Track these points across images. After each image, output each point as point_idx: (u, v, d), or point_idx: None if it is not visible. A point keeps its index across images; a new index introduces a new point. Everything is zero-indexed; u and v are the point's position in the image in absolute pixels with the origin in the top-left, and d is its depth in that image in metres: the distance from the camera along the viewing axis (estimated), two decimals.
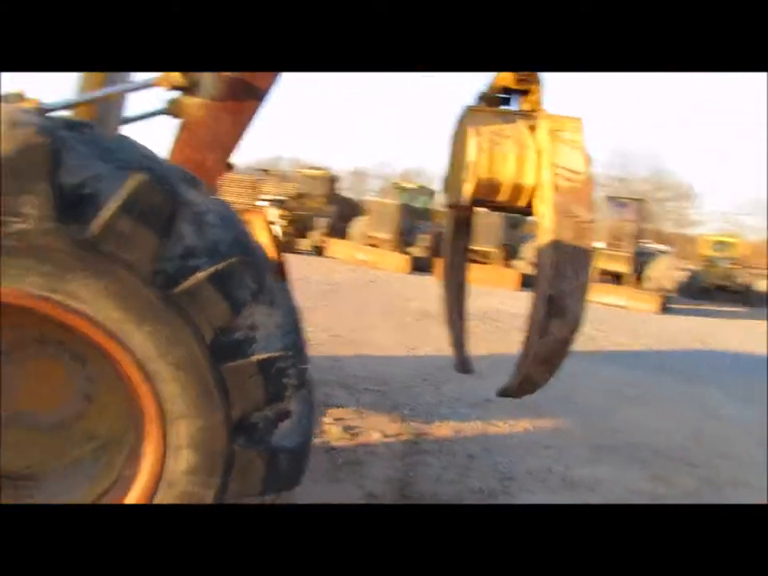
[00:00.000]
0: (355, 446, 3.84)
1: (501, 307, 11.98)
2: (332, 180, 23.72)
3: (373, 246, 18.63)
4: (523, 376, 2.70)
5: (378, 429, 4.17)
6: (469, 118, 3.12)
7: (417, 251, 18.42)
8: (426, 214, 21.43)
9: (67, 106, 2.50)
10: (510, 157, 2.94)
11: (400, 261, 17.48)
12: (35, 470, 1.92)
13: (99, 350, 1.58)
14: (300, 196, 21.19)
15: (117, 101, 2.71)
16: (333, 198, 23.16)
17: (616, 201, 19.08)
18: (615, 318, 13.00)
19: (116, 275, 1.45)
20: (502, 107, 3.34)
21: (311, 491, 3.15)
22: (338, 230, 21.01)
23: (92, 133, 1.58)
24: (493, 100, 3.35)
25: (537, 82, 3.25)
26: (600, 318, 12.48)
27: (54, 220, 1.39)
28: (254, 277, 1.59)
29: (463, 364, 3.53)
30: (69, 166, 1.42)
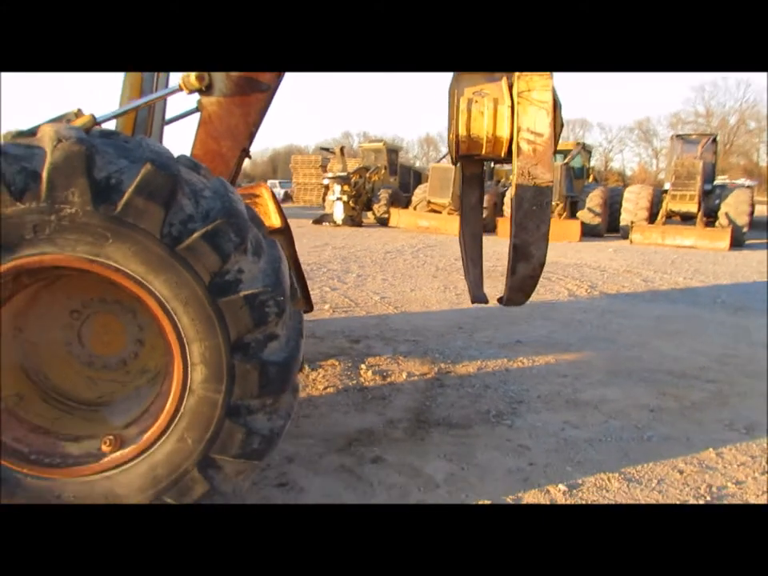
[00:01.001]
0: (384, 385, 4.39)
1: (557, 259, 12.06)
2: (392, 151, 24.07)
3: (434, 211, 18.94)
4: (506, 298, 3.38)
5: (407, 371, 4.69)
6: (455, 81, 3.51)
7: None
8: (485, 175, 21.32)
9: (114, 116, 3.14)
10: (486, 113, 3.33)
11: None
12: (106, 399, 2.59)
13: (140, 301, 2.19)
14: (362, 170, 21.73)
15: (155, 107, 3.32)
16: (394, 168, 23.56)
17: (683, 139, 18.22)
18: (680, 260, 12.70)
19: (137, 239, 2.04)
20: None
21: (341, 420, 3.75)
22: (402, 200, 21.46)
23: (116, 138, 2.19)
24: None
25: None
26: (660, 261, 12.29)
27: (91, 203, 2.00)
28: (236, 233, 2.14)
29: (477, 296, 3.97)
30: (99, 165, 2.01)
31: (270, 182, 40.60)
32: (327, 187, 21.69)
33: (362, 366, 4.76)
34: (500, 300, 3.51)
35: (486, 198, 18.78)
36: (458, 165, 4.03)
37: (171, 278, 2.08)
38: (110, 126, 3.07)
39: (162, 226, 2.04)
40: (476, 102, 3.38)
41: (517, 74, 3.22)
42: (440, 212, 18.59)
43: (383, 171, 22.20)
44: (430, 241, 15.80)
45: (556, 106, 3.23)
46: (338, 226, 19.48)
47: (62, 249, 2.03)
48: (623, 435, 3.65)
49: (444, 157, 24.29)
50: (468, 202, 4.25)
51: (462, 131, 3.37)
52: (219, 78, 3.06)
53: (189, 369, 2.17)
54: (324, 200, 22.91)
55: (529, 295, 3.35)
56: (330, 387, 4.32)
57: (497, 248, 13.49)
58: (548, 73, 3.21)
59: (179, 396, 2.19)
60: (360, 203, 20.80)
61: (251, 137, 3.53)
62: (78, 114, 3.01)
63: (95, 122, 3.00)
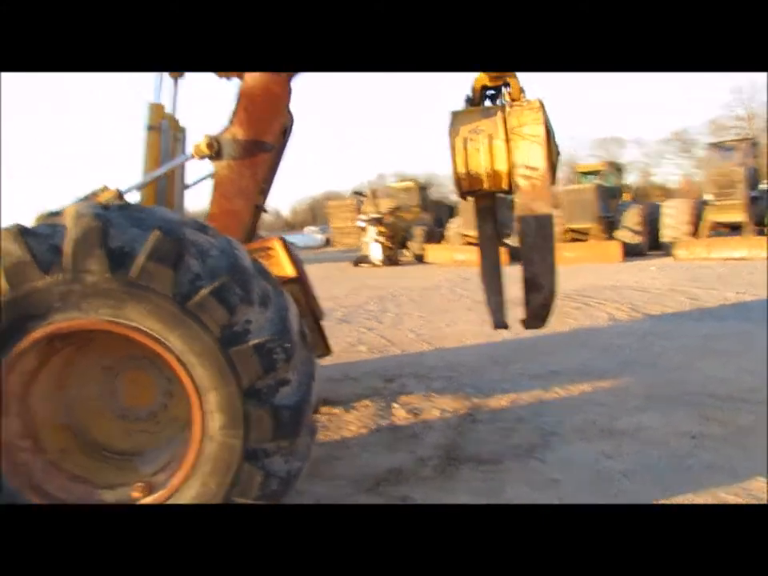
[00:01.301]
0: (416, 423, 4.41)
1: (597, 282, 11.86)
2: (423, 188, 24.42)
3: (470, 244, 18.96)
4: (526, 324, 3.55)
5: (439, 407, 4.71)
6: (452, 120, 3.65)
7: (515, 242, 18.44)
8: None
9: (137, 187, 3.41)
10: (482, 149, 3.45)
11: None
12: (138, 448, 2.75)
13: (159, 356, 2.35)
14: (395, 210, 22.07)
15: (174, 173, 3.59)
16: (427, 205, 23.84)
17: (719, 147, 17.70)
18: (729, 273, 12.26)
19: (151, 299, 2.22)
20: (487, 104, 3.81)
21: (371, 460, 3.79)
22: (437, 235, 21.63)
23: (130, 210, 2.40)
24: (478, 100, 3.83)
25: (512, 75, 3.69)
26: (708, 276, 11.90)
27: (109, 271, 2.19)
28: (241, 287, 2.29)
29: (498, 322, 4.02)
30: (113, 236, 2.22)
31: (308, 228, 41.63)
32: (363, 229, 22.10)
33: (395, 404, 4.81)
34: (522, 322, 3.59)
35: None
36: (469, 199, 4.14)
37: (184, 333, 2.23)
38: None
39: (172, 286, 2.22)
40: (471, 140, 3.50)
41: (507, 108, 3.33)
42: (475, 244, 18.58)
43: (416, 209, 22.50)
44: (467, 274, 15.78)
45: (549, 134, 3.32)
46: (376, 266, 19.75)
47: (86, 313, 2.22)
48: (661, 464, 3.49)
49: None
50: (484, 234, 4.33)
51: (461, 169, 3.50)
52: (227, 143, 3.29)
53: (207, 416, 2.30)
54: (361, 242, 23.32)
55: (545, 320, 3.43)
56: (363, 428, 4.38)
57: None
58: (537, 103, 3.30)
59: (199, 443, 2.32)
60: (396, 242, 21.06)
61: (263, 193, 3.75)
62: (105, 189, 3.29)
63: (120, 195, 3.27)
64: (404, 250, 21.69)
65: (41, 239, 2.20)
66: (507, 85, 3.81)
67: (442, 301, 10.98)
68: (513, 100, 3.85)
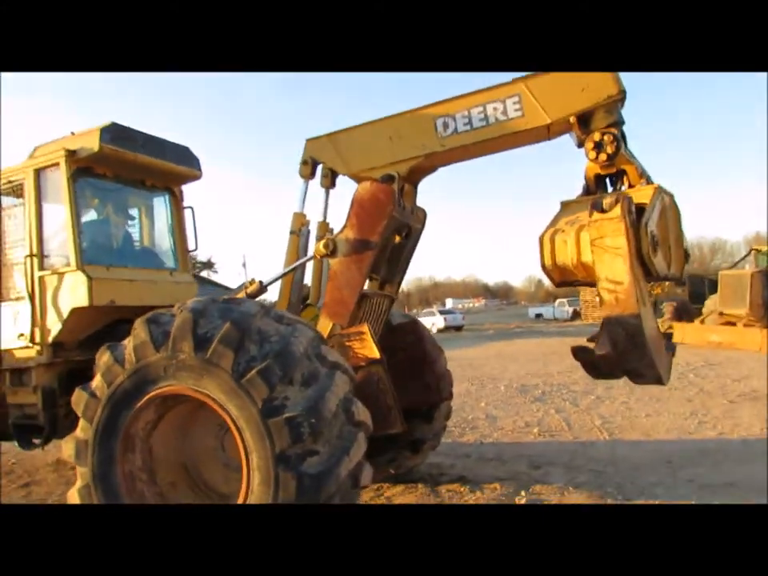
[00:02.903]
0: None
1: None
2: None
3: (729, 323, 16.46)
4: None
5: (567, 503, 4.44)
6: (559, 211, 3.73)
7: None
8: None
9: (275, 279, 4.26)
10: (569, 241, 3.42)
11: (759, 337, 14.87)
12: (234, 492, 3.40)
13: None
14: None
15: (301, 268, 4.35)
16: (682, 278, 21.45)
17: None
18: None
19: (219, 375, 2.89)
20: (600, 192, 3.77)
21: None
22: (692, 312, 19.30)
23: (228, 303, 3.15)
24: (593, 189, 3.82)
25: (626, 161, 3.62)
26: None
27: (194, 352, 2.94)
28: (282, 370, 2.81)
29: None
30: (201, 325, 2.98)
31: (560, 300, 40.40)
32: None
33: (522, 492, 4.67)
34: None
35: None
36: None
37: (238, 403, 2.84)
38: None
39: (232, 365, 2.86)
40: (563, 231, 3.49)
41: (588, 219, 3.23)
42: (734, 324, 16.08)
43: (667, 283, 20.43)
44: (717, 358, 13.73)
45: (680, 233, 3.27)
46: None
47: (180, 382, 3.00)
48: None
49: (739, 261, 21.24)
50: None
51: (548, 261, 3.51)
52: (341, 243, 3.92)
53: (250, 473, 2.83)
54: None
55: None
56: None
57: None
58: (618, 214, 3.12)
59: (245, 496, 2.85)
60: None
61: (394, 285, 4.35)
62: (252, 282, 4.20)
63: (262, 285, 4.14)
64: None
65: (159, 325, 3.08)
66: (624, 172, 3.73)
67: (662, 388, 9.80)
68: (630, 186, 3.74)
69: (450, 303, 74.58)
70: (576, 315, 35.84)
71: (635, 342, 3.18)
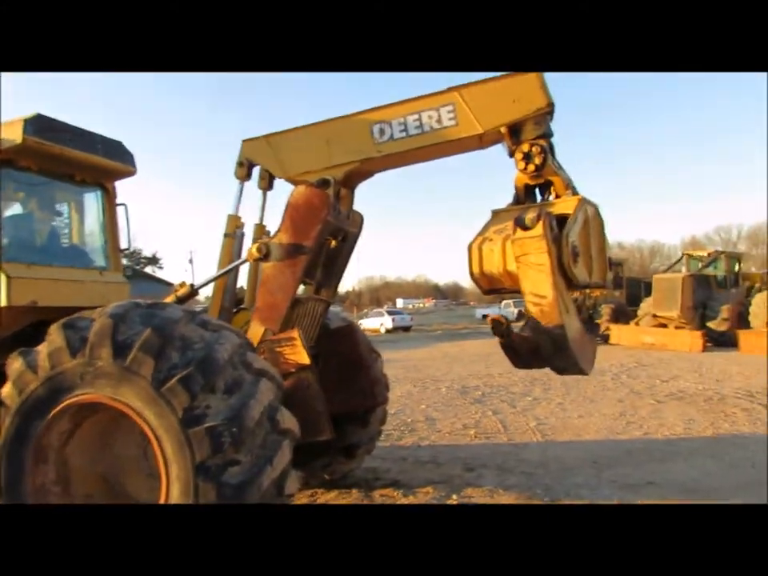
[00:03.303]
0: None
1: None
2: (617, 264, 22.93)
3: (662, 325, 17.26)
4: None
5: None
6: (489, 219, 3.79)
7: (716, 325, 16.36)
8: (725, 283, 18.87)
9: (207, 282, 4.17)
10: (495, 250, 3.49)
11: (689, 339, 15.74)
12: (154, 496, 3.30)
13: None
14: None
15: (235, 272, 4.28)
16: (619, 282, 22.31)
17: None
18: None
19: (138, 383, 2.80)
20: (528, 202, 3.85)
21: None
22: (629, 315, 20.08)
23: (153, 308, 3.06)
24: (523, 198, 3.89)
25: (553, 173, 3.71)
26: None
27: (113, 359, 2.84)
28: (204, 378, 2.75)
29: None
30: (121, 331, 2.87)
31: (505, 302, 41.29)
32: None
33: (454, 496, 4.74)
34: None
35: (726, 307, 16.52)
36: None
37: (157, 411, 2.76)
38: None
39: (152, 373, 2.77)
40: (491, 240, 3.57)
41: (511, 237, 3.31)
42: (666, 326, 16.87)
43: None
44: (648, 359, 14.35)
45: (604, 242, 3.47)
46: None
47: (97, 390, 2.89)
48: None
49: (673, 265, 22.27)
50: None
51: (476, 270, 3.57)
52: (274, 247, 3.87)
53: (169, 484, 2.75)
54: None
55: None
56: None
57: (741, 368, 11.93)
58: (540, 233, 3.20)
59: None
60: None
61: (330, 288, 4.31)
62: (182, 285, 4.10)
63: (193, 288, 4.04)
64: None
65: (77, 330, 2.96)
66: (550, 183, 3.83)
67: (595, 390, 10.19)
68: (557, 196, 3.84)
69: (400, 303, 75.05)
70: (521, 316, 36.66)
71: (560, 347, 3.30)
